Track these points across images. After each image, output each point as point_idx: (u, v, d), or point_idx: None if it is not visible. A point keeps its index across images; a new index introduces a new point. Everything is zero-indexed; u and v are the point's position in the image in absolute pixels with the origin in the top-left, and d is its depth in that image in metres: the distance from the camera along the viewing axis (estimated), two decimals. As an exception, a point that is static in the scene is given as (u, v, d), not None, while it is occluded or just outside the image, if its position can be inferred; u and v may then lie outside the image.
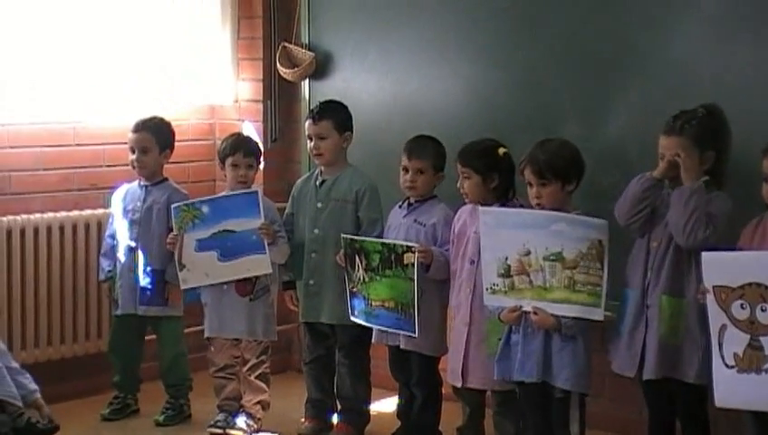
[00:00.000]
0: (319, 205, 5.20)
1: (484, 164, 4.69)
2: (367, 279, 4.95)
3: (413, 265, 4.77)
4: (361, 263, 4.96)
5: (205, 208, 5.22)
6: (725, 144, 4.31)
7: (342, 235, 5.03)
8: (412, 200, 5.02)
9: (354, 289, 5.01)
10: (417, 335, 4.82)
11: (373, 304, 4.95)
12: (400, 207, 5.07)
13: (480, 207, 4.56)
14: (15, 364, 5.04)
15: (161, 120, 5.55)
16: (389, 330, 4.96)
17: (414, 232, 4.94)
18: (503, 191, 4.71)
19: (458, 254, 4.79)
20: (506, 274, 4.43)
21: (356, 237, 5.01)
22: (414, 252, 4.77)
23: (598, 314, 4.30)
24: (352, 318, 5.06)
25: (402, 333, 4.90)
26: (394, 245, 4.86)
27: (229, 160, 5.28)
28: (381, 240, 4.94)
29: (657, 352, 4.28)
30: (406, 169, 4.97)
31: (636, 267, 4.39)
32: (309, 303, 5.23)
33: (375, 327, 5.03)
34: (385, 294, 4.90)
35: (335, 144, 5.19)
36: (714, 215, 4.17)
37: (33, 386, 4.92)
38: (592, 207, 4.49)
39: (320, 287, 5.19)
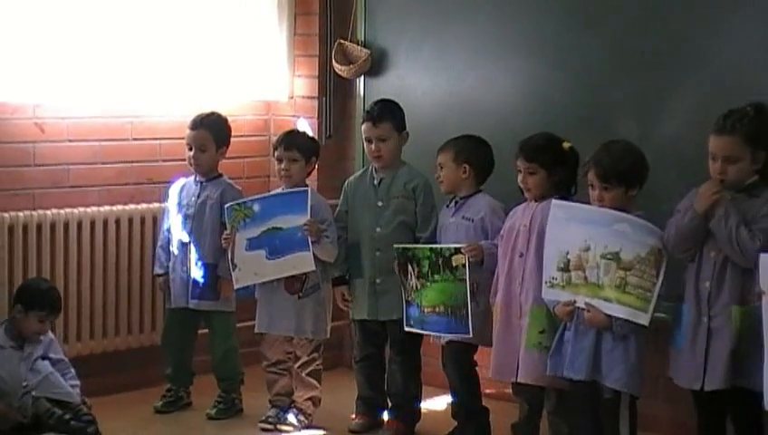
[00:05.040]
0: (380, 203, 5.18)
1: (550, 158, 4.64)
2: (419, 286, 4.96)
3: (464, 265, 4.77)
4: (413, 271, 4.97)
5: (256, 207, 5.23)
6: None
7: (395, 245, 5.03)
8: (458, 198, 5.00)
9: (409, 298, 5.01)
10: (471, 335, 4.81)
11: (425, 310, 4.95)
12: (447, 206, 5.06)
13: (554, 200, 4.51)
14: (62, 356, 5.12)
15: (219, 116, 5.56)
16: (444, 335, 4.95)
17: (464, 229, 4.93)
18: (565, 186, 4.66)
19: (507, 249, 4.73)
20: (565, 268, 4.40)
21: (407, 246, 5.01)
22: (463, 253, 4.77)
23: (644, 319, 4.25)
24: (407, 328, 5.04)
25: (457, 336, 4.89)
26: (441, 249, 4.86)
27: (275, 154, 5.31)
28: (429, 246, 4.92)
29: (726, 362, 4.15)
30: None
31: (690, 279, 4.30)
32: (380, 301, 5.17)
33: (431, 334, 5.02)
34: (435, 300, 4.90)
35: (396, 145, 5.18)
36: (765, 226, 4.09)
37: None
38: (647, 207, 4.45)
39: (389, 284, 5.14)
